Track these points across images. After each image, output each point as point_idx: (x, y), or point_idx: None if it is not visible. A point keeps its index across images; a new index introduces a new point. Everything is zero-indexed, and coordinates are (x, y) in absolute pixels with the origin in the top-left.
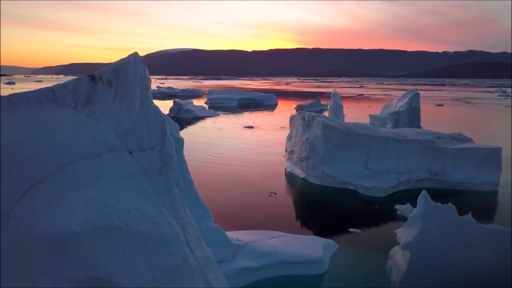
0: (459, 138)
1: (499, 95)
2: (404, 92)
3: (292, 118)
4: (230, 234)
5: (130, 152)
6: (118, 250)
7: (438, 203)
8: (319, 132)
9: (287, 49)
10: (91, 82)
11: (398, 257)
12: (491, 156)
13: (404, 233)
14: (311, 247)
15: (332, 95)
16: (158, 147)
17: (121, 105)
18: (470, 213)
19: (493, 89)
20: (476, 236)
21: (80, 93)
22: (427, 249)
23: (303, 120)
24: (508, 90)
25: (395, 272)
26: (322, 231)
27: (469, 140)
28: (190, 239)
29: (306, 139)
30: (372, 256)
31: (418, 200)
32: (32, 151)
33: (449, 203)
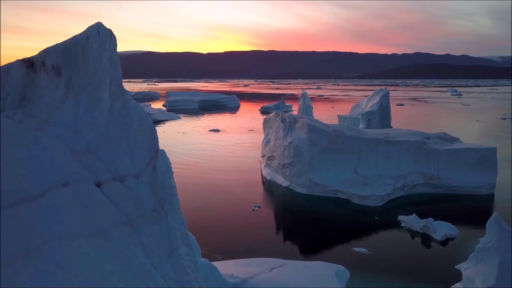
0: (446, 137)
1: (452, 94)
2: (374, 91)
3: (267, 120)
4: (220, 266)
5: (99, 185)
6: None
7: None
8: (304, 135)
9: (243, 51)
10: (28, 70)
11: None
12: (487, 157)
13: (474, 270)
14: (322, 278)
15: (301, 96)
16: (147, 173)
17: (79, 104)
18: None
19: (443, 89)
20: None
21: (10, 87)
22: None
23: (283, 123)
24: (458, 89)
25: None
26: (323, 253)
27: (457, 139)
28: None
29: (290, 143)
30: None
31: (488, 225)
32: None
33: None
